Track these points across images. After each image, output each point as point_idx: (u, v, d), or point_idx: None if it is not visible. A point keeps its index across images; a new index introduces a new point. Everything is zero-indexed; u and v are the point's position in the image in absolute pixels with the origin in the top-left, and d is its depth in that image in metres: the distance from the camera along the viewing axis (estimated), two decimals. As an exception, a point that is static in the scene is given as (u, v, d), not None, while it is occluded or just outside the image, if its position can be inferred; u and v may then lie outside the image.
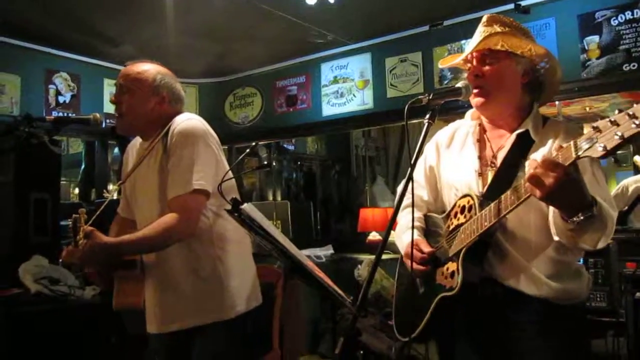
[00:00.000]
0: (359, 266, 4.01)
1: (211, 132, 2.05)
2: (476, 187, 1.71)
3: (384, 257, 1.50)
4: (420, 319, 1.70)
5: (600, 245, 1.49)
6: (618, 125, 1.14)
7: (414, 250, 1.73)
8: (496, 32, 1.68)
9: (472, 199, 1.64)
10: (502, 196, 1.50)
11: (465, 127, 1.87)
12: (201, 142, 1.97)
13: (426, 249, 1.74)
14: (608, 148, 1.15)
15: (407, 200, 1.92)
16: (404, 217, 1.95)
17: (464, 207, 1.68)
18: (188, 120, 2.00)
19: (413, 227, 1.60)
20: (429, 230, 1.89)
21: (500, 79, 1.68)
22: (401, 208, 1.95)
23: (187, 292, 1.98)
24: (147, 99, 2.05)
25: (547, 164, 1.29)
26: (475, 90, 1.69)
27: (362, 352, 1.39)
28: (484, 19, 1.76)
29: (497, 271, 1.65)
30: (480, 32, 1.74)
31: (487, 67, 1.69)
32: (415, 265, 1.72)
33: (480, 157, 1.75)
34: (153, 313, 2.04)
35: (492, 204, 1.53)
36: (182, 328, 1.98)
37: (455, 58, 1.84)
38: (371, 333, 3.31)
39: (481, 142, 1.78)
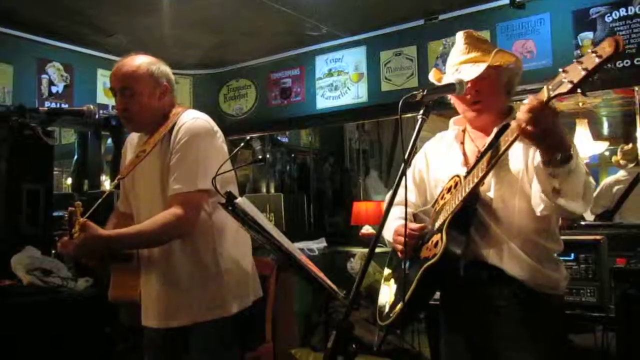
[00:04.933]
0: (352, 259, 4.02)
1: (218, 132, 2.03)
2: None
3: (378, 250, 1.51)
4: (402, 299, 1.74)
5: (581, 208, 1.52)
6: (583, 62, 1.27)
7: (403, 227, 1.78)
8: (497, 51, 1.77)
9: (459, 176, 1.75)
10: (483, 158, 1.61)
11: (450, 133, 1.98)
12: (208, 141, 1.95)
13: (416, 225, 1.84)
14: (575, 81, 1.27)
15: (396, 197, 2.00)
16: (392, 213, 1.97)
17: (450, 187, 1.78)
18: (195, 119, 1.97)
19: (406, 214, 1.62)
20: (419, 221, 1.95)
21: (493, 92, 1.81)
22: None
23: (189, 288, 1.96)
24: (152, 94, 2.01)
25: (532, 104, 1.37)
26: (471, 106, 1.81)
27: (354, 345, 1.39)
28: (462, 35, 1.90)
29: (480, 247, 1.72)
30: (464, 49, 1.86)
31: (482, 82, 1.78)
32: (405, 239, 1.77)
33: (464, 153, 1.87)
34: (153, 308, 2.01)
35: (474, 169, 1.65)
36: (182, 325, 1.96)
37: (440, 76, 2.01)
38: (363, 326, 3.32)
39: (465, 143, 1.90)
